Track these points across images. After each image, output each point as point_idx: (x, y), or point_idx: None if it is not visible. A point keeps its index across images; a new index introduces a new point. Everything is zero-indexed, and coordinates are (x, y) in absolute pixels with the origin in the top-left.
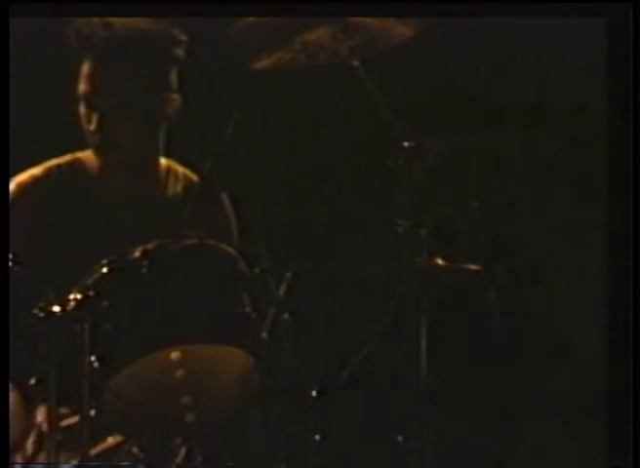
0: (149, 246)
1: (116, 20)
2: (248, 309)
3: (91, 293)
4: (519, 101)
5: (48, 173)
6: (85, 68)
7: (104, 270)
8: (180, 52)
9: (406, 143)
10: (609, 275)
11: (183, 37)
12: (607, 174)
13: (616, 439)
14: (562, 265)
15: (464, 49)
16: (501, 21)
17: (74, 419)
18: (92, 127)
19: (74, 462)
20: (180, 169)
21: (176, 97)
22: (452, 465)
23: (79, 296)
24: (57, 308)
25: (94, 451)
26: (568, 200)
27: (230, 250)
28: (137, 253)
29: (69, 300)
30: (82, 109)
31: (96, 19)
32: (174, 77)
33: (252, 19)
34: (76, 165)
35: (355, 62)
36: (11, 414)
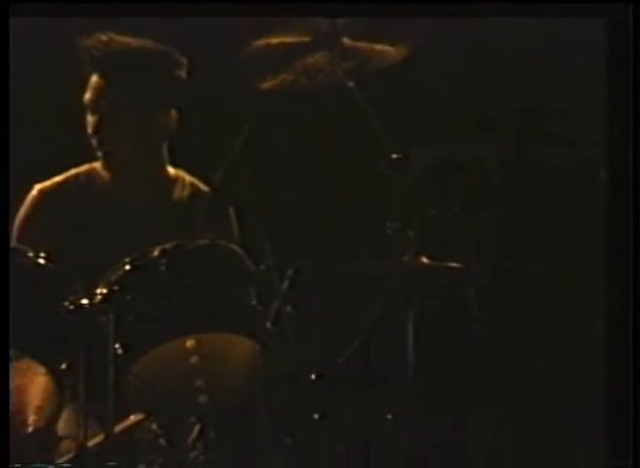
0: (167, 246)
1: (123, 40)
2: (254, 302)
3: (115, 288)
4: (503, 115)
5: (68, 180)
6: (93, 82)
7: (127, 267)
8: (180, 72)
9: (395, 155)
10: (608, 274)
11: (183, 59)
12: (607, 174)
13: (616, 439)
14: (542, 265)
15: (448, 70)
16: (491, 37)
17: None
18: (96, 137)
19: (98, 439)
20: (188, 177)
21: (174, 112)
22: (434, 440)
23: (105, 291)
24: (85, 301)
25: (118, 428)
26: (547, 205)
27: (238, 249)
28: (156, 253)
29: (96, 294)
30: (88, 119)
31: (104, 38)
32: (174, 94)
33: (259, 42)
34: (92, 173)
35: (350, 83)
36: (43, 396)
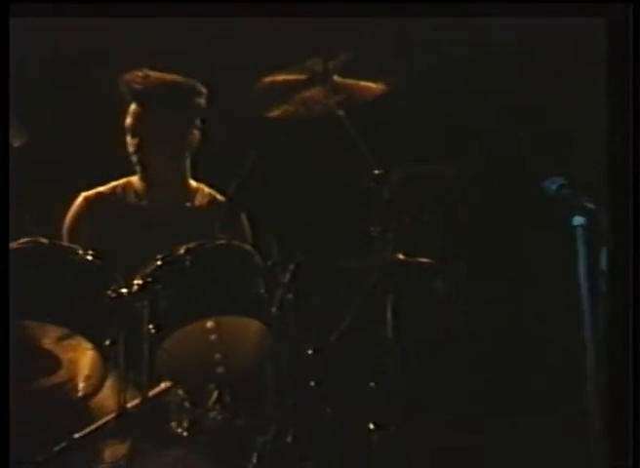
0: (191, 245)
1: (157, 75)
2: (262, 291)
3: (149, 280)
4: (466, 137)
5: (110, 190)
6: (132, 110)
7: (158, 263)
8: (202, 100)
9: (376, 171)
10: (609, 274)
11: (204, 89)
12: (607, 174)
13: (616, 439)
14: (501, 262)
15: (422, 99)
16: (473, 60)
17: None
18: (136, 155)
19: (134, 402)
20: (207, 189)
21: (197, 134)
22: (408, 403)
23: (140, 282)
24: (124, 290)
25: (151, 393)
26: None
27: (249, 248)
28: (181, 251)
29: (133, 285)
30: (128, 140)
31: (141, 74)
32: (197, 119)
33: (266, 79)
34: (129, 185)
35: (340, 113)
36: (91, 367)
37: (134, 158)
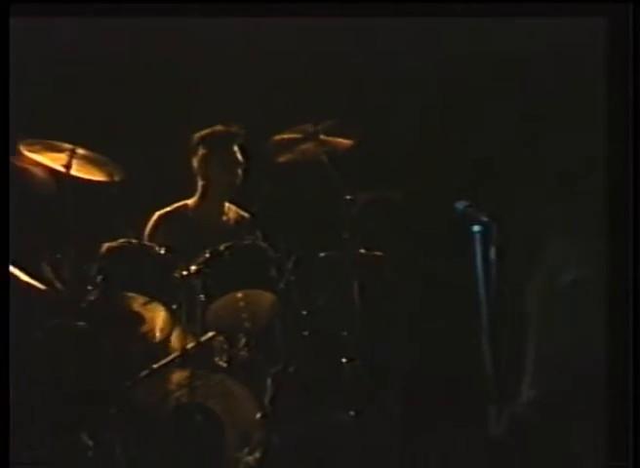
0: (227, 244)
1: (218, 128)
2: (273, 274)
3: (201, 266)
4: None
5: (175, 209)
6: (199, 153)
7: (207, 255)
8: (237, 148)
9: (348, 196)
10: (608, 275)
11: (242, 131)
12: (607, 174)
13: (616, 439)
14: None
15: (384, 154)
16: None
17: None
18: (199, 184)
19: (192, 345)
20: (234, 208)
21: (240, 172)
22: (369, 343)
23: (195, 267)
24: (185, 273)
25: (202, 339)
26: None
27: (265, 245)
28: (222, 247)
29: (191, 269)
30: (196, 177)
31: (209, 131)
32: (239, 167)
33: (277, 136)
34: (187, 205)
35: (324, 159)
36: (163, 323)
37: (199, 185)
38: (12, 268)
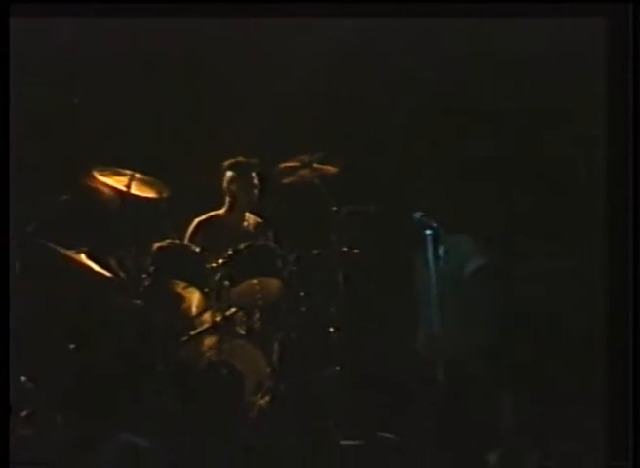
0: (246, 243)
1: (241, 162)
2: (279, 265)
3: (226, 260)
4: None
5: (210, 217)
6: (228, 176)
7: (230, 252)
8: (255, 174)
9: (333, 208)
10: (609, 273)
11: (257, 161)
12: (607, 174)
13: (616, 439)
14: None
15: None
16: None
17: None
18: (227, 199)
19: (219, 318)
20: (252, 217)
21: (255, 191)
22: (352, 313)
23: (222, 261)
24: (214, 265)
25: (227, 313)
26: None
27: (275, 245)
28: (242, 246)
29: (219, 262)
30: (225, 194)
31: (232, 160)
32: (254, 183)
33: (283, 164)
34: (219, 214)
35: (316, 182)
36: (198, 302)
37: (227, 200)
38: (87, 260)
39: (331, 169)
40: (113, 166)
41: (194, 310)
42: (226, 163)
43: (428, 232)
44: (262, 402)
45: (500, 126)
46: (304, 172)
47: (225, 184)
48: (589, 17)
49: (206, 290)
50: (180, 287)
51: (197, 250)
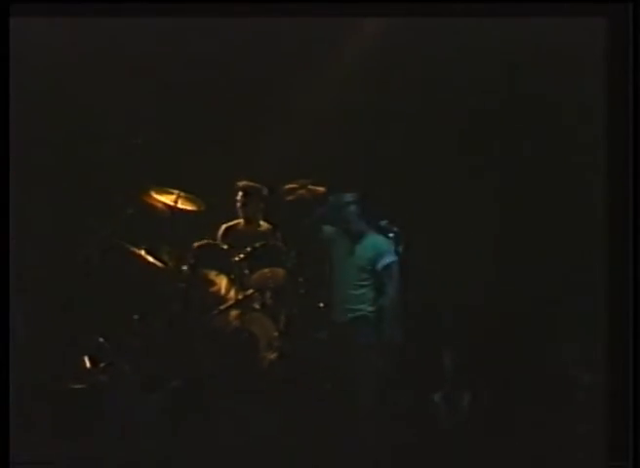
0: (260, 243)
1: (249, 187)
2: (285, 259)
3: (244, 256)
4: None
5: (233, 224)
6: (240, 196)
7: (248, 249)
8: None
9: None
10: (608, 271)
11: (264, 186)
12: (607, 174)
13: (616, 439)
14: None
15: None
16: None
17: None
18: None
19: (241, 297)
20: (265, 223)
21: (263, 205)
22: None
23: (243, 256)
24: (237, 259)
25: (247, 293)
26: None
27: (282, 245)
28: (257, 245)
29: (241, 257)
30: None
31: (244, 183)
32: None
33: (286, 185)
34: (239, 223)
35: (311, 199)
36: (225, 286)
37: (241, 213)
38: (146, 255)
39: (319, 190)
40: (165, 187)
41: (223, 291)
42: (239, 185)
43: (391, 235)
44: (272, 357)
45: (498, 126)
46: (302, 192)
47: (240, 204)
48: (589, 17)
49: (232, 276)
50: (212, 274)
51: (225, 247)
